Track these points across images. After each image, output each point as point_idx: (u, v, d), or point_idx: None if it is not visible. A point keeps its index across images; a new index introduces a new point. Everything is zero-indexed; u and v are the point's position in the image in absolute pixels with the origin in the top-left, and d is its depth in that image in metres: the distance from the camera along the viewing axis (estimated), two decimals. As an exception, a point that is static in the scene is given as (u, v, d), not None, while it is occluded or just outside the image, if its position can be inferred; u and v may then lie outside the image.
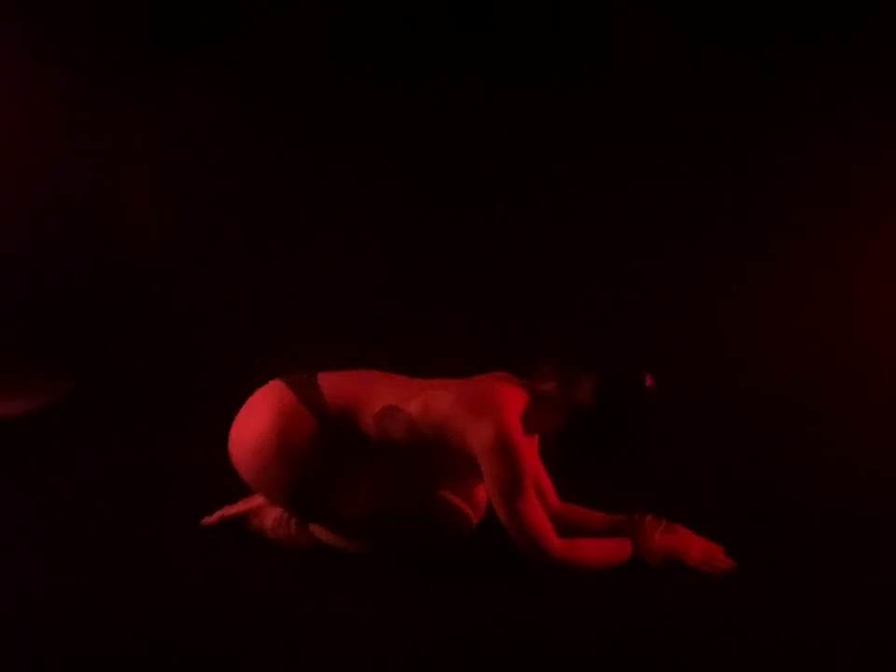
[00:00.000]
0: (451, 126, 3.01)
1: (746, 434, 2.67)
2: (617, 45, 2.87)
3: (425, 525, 2.10)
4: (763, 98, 2.83)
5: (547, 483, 2.23)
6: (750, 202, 2.89)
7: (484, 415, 2.02)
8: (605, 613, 1.91)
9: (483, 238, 3.04)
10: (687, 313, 2.99)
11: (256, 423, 2.15)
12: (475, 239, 3.04)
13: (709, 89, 2.86)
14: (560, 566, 2.01)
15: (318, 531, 2.17)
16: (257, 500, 2.23)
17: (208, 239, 3.06)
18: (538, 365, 2.08)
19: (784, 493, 2.38)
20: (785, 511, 2.28)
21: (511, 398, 2.07)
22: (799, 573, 2.00)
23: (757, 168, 2.88)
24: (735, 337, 2.94)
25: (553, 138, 2.98)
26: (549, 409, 2.08)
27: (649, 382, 2.04)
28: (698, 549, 2.07)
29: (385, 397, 2.11)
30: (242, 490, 2.16)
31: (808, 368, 2.84)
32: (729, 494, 2.37)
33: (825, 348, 2.86)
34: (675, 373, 2.25)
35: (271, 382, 2.20)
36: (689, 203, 2.92)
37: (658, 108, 2.89)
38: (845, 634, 1.81)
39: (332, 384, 2.18)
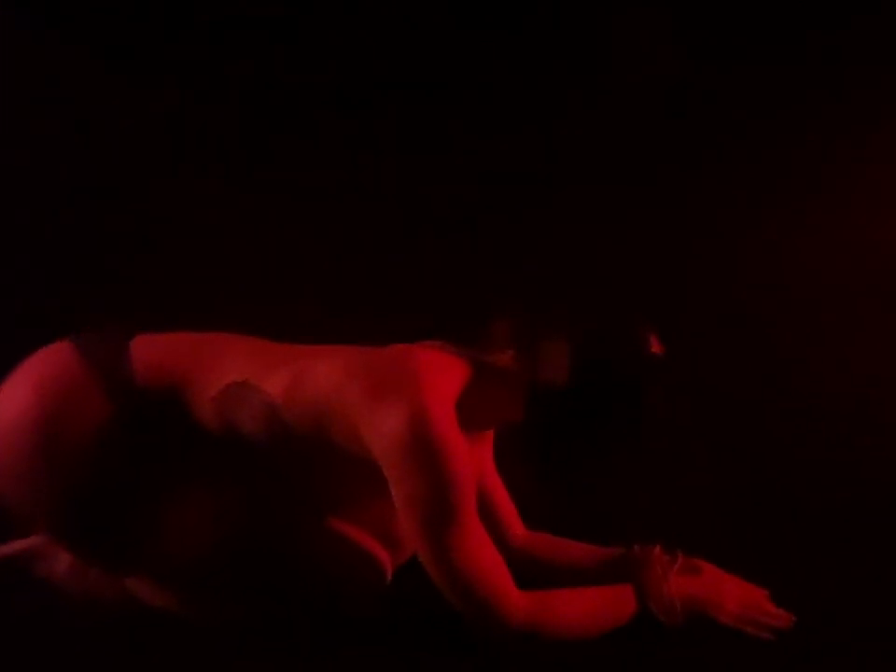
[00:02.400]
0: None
1: (776, 427, 2.20)
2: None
3: (305, 576, 1.35)
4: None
5: (505, 503, 1.59)
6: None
7: (390, 396, 1.29)
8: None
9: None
10: (693, 258, 2.62)
11: (12, 405, 1.36)
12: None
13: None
14: (523, 636, 1.31)
15: (136, 585, 1.35)
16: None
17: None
18: (486, 326, 1.43)
19: (831, 505, 1.81)
20: (837, 533, 1.67)
21: (440, 371, 1.37)
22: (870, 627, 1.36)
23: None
24: (754, 297, 2.60)
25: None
26: (502, 389, 1.41)
27: (651, 343, 1.39)
28: (735, 597, 1.41)
29: (231, 369, 1.37)
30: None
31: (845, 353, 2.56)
32: (762, 509, 1.77)
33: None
34: (679, 340, 1.53)
35: (56, 343, 1.45)
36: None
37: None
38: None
39: (152, 349, 1.42)
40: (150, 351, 1.42)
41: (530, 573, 1.41)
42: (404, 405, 1.28)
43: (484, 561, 1.29)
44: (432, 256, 2.70)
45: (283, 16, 2.91)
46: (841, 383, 2.56)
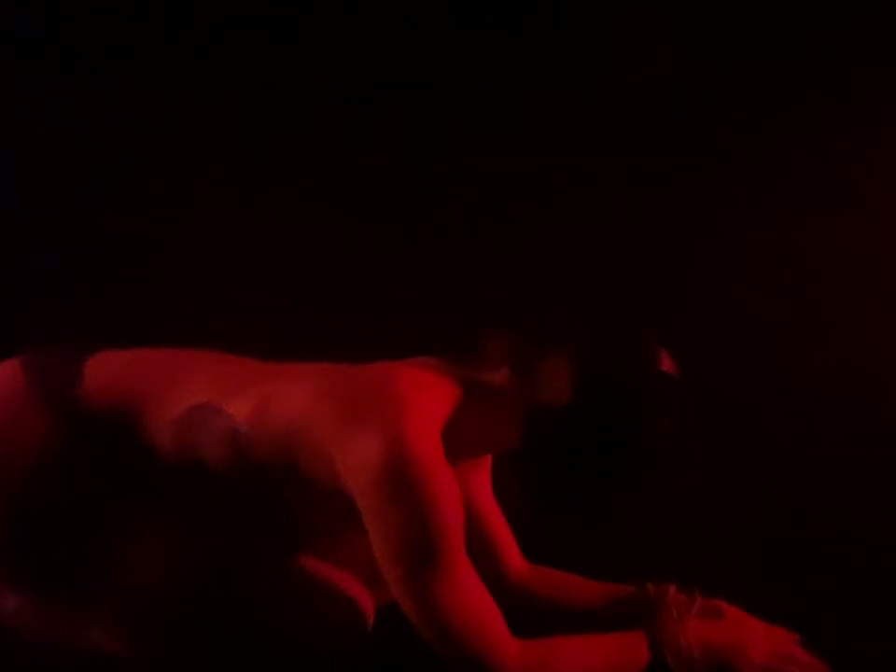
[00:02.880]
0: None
1: (805, 449, 2.05)
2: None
3: (276, 624, 1.21)
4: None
5: (502, 534, 1.46)
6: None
7: (365, 421, 1.17)
8: None
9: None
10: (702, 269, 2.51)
11: None
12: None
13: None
14: None
15: (87, 629, 1.21)
16: None
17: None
18: (479, 340, 1.29)
19: (866, 543, 1.68)
20: (875, 573, 1.57)
21: (426, 392, 1.24)
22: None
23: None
24: (755, 297, 2.52)
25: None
26: (497, 412, 1.29)
27: (662, 360, 1.28)
28: (762, 645, 1.26)
29: (194, 390, 1.24)
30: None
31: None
32: (790, 543, 1.64)
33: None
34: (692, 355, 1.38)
35: (4, 361, 1.34)
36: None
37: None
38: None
39: (109, 367, 1.30)
40: (106, 369, 1.28)
41: (530, 611, 1.34)
42: (380, 431, 1.14)
43: (474, 609, 1.14)
44: (428, 260, 2.68)
45: (283, 16, 2.91)
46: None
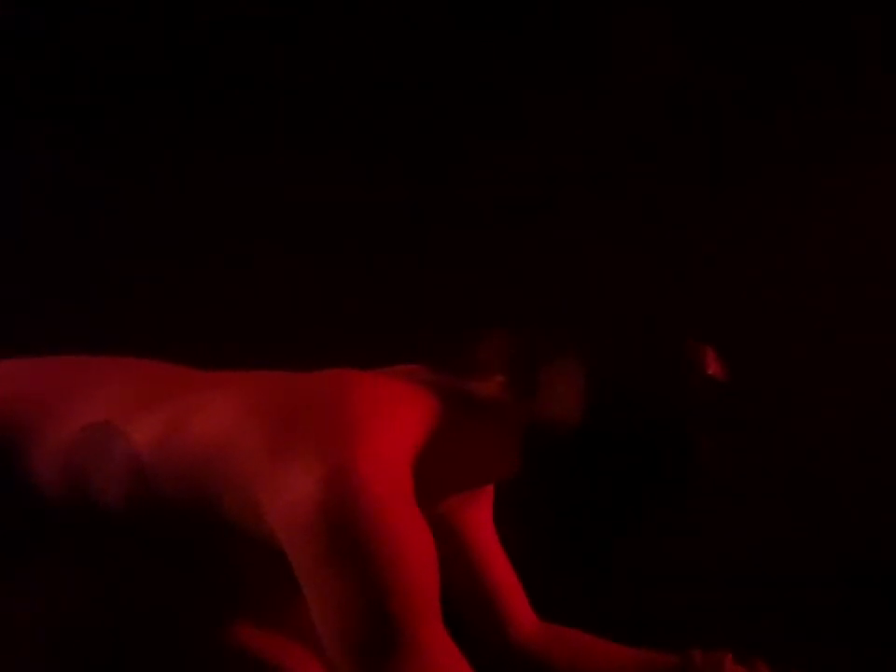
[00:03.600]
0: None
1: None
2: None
3: None
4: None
5: (509, 584, 1.16)
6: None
7: (302, 447, 0.85)
8: None
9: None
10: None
11: None
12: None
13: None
14: None
15: None
16: None
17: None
18: (471, 343, 1.03)
19: None
20: None
21: (395, 408, 0.94)
22: None
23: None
24: (756, 298, 2.38)
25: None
26: (489, 431, 0.99)
27: (708, 362, 0.94)
28: None
29: (95, 407, 0.92)
30: None
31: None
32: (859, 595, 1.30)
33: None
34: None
35: None
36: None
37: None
38: None
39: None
40: None
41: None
42: (319, 461, 0.82)
43: None
44: (428, 260, 2.67)
45: (283, 16, 2.91)
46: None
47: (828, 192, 2.78)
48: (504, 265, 2.89)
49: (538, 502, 0.97)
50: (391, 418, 0.93)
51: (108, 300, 2.67)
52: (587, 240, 2.91)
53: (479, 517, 1.17)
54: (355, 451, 0.85)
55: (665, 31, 2.81)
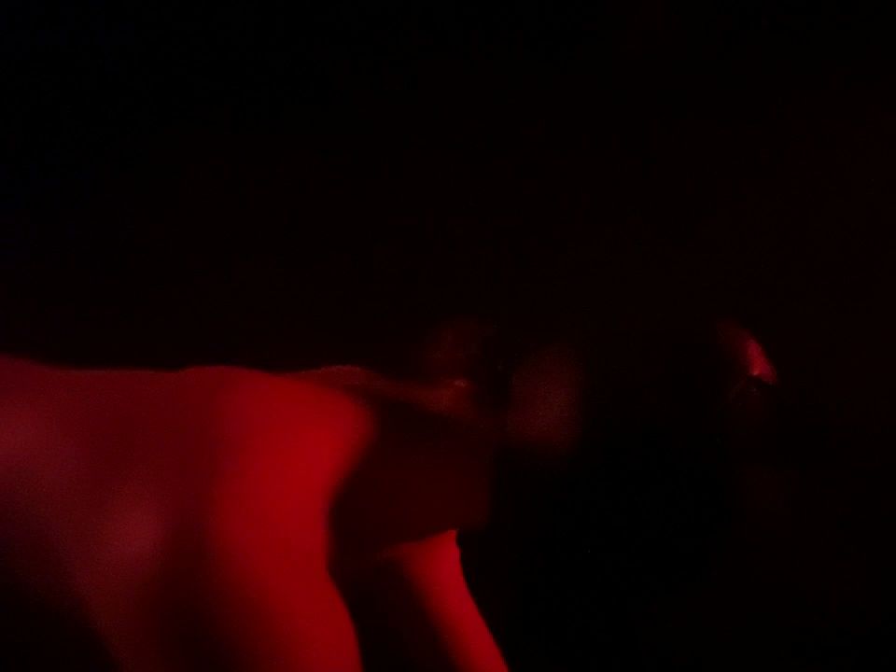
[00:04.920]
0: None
1: None
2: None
3: None
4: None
5: (482, 655, 0.88)
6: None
7: (133, 485, 0.59)
8: None
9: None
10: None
11: None
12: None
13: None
14: None
15: None
16: None
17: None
18: (422, 338, 0.74)
19: None
20: None
21: (291, 427, 0.67)
22: None
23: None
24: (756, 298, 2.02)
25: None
26: (446, 456, 0.71)
27: (756, 360, 0.69)
28: None
29: None
30: None
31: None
32: None
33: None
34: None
35: None
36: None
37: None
38: None
39: None
40: None
41: None
42: (159, 509, 0.57)
43: None
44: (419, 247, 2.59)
45: (283, 16, 2.91)
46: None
47: (831, 188, 2.78)
48: (501, 250, 2.34)
49: (516, 552, 0.69)
50: (286, 443, 0.65)
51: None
52: (577, 212, 2.42)
53: (439, 572, 0.88)
54: (212, 493, 0.58)
55: (665, 25, 2.81)
